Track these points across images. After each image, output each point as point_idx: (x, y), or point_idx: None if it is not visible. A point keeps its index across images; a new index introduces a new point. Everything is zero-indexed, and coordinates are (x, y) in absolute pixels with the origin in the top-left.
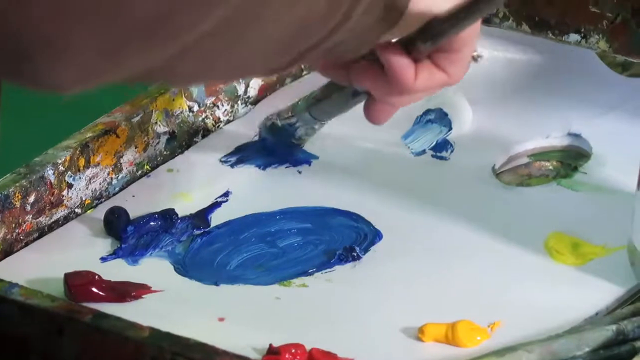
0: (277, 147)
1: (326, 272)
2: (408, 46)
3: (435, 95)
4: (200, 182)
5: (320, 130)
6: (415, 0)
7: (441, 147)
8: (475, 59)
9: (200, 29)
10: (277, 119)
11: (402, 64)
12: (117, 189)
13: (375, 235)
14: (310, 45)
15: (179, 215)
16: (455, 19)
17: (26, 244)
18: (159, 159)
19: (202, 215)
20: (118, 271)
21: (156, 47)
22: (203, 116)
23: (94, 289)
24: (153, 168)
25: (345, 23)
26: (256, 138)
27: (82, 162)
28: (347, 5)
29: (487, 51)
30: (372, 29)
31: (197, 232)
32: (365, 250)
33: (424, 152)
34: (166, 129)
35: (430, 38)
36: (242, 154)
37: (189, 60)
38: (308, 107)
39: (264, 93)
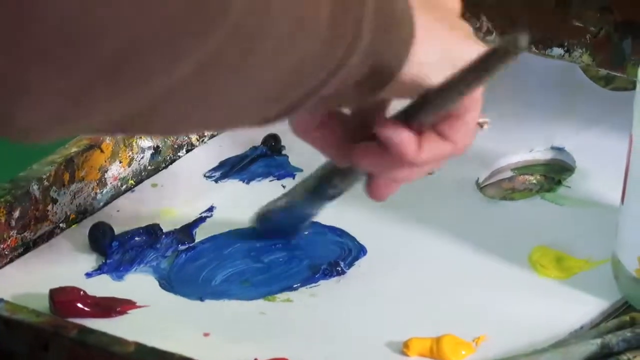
0: (273, 234)
1: (311, 287)
2: (408, 119)
3: None
4: (184, 197)
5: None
6: (412, 59)
7: None
8: (481, 125)
9: (172, 75)
10: (272, 207)
11: (402, 137)
12: (101, 203)
13: (359, 250)
14: (301, 96)
15: (164, 231)
16: (453, 89)
17: (11, 260)
18: (143, 174)
19: (187, 231)
20: (103, 287)
21: (124, 93)
22: None
23: (79, 305)
24: (137, 183)
25: (339, 72)
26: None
27: (66, 177)
28: (342, 53)
29: None
30: (363, 85)
31: (181, 247)
32: (350, 265)
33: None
34: (150, 144)
35: (430, 109)
36: (226, 169)
37: (162, 110)
38: (307, 196)
39: None
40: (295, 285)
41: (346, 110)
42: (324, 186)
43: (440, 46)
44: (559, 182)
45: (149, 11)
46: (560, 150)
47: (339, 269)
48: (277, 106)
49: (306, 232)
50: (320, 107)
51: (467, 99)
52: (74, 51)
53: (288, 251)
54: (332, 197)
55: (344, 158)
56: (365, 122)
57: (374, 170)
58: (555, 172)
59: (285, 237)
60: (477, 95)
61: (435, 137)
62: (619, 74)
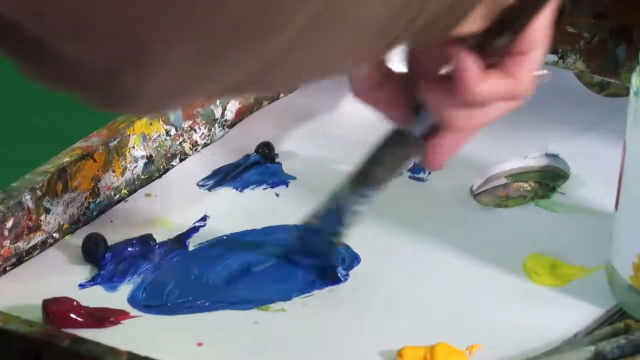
0: (308, 255)
1: (304, 297)
2: (480, 49)
3: None
4: (178, 207)
5: (364, 210)
6: None
7: (419, 169)
8: (541, 76)
9: (289, 29)
10: (313, 219)
11: (467, 61)
12: (94, 213)
13: (353, 259)
14: (407, 22)
15: (157, 241)
16: (525, 4)
17: (4, 270)
18: (136, 183)
19: (181, 240)
20: (96, 297)
21: (247, 53)
22: (180, 140)
23: (73, 315)
24: (131, 192)
25: None
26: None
27: (59, 186)
28: None
29: None
30: (462, 4)
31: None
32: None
33: (401, 173)
34: (143, 153)
35: (504, 29)
36: (219, 177)
37: (283, 62)
38: (355, 184)
39: (241, 116)
40: (288, 295)
41: (403, 69)
42: (372, 167)
43: None
44: (554, 189)
45: None
46: (554, 156)
47: (336, 273)
48: (385, 39)
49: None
50: (425, 34)
51: (533, 32)
52: (197, 17)
53: (281, 260)
54: (380, 180)
55: (404, 116)
56: (421, 78)
57: (435, 102)
58: (549, 179)
59: (318, 254)
60: (543, 29)
61: (498, 72)
62: (613, 80)
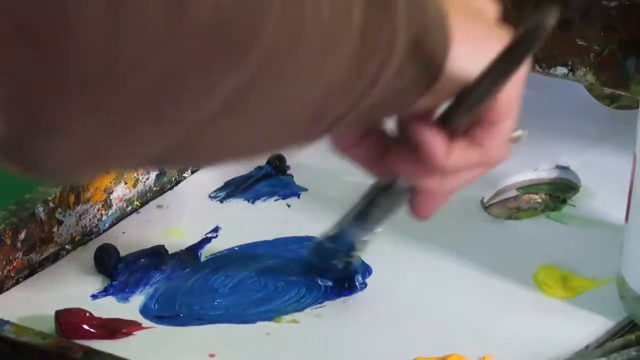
0: (326, 270)
1: (316, 308)
2: (444, 122)
3: None
4: (190, 218)
5: (371, 239)
6: (450, 63)
7: None
8: (517, 139)
9: (204, 108)
10: (325, 240)
11: (431, 137)
12: (107, 225)
13: (365, 270)
14: (342, 111)
15: (169, 252)
16: (486, 80)
17: (17, 281)
18: (148, 195)
19: (192, 251)
20: (109, 308)
21: (159, 126)
22: None
23: (85, 326)
24: (143, 204)
25: (374, 88)
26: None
27: (72, 198)
28: (374, 70)
29: None
30: (406, 93)
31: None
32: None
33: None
34: None
35: (464, 107)
36: (231, 188)
37: (197, 143)
38: (355, 221)
39: None
40: (301, 306)
41: (385, 125)
42: (369, 208)
43: (479, 48)
44: (564, 201)
45: (175, 46)
46: (565, 169)
47: (354, 281)
48: (320, 123)
49: (358, 263)
50: (367, 119)
51: (500, 104)
52: (100, 91)
53: (294, 271)
54: (378, 220)
55: (385, 172)
56: (405, 135)
57: (406, 173)
58: (560, 191)
59: (336, 270)
60: (511, 100)
61: (466, 143)
62: (623, 93)
